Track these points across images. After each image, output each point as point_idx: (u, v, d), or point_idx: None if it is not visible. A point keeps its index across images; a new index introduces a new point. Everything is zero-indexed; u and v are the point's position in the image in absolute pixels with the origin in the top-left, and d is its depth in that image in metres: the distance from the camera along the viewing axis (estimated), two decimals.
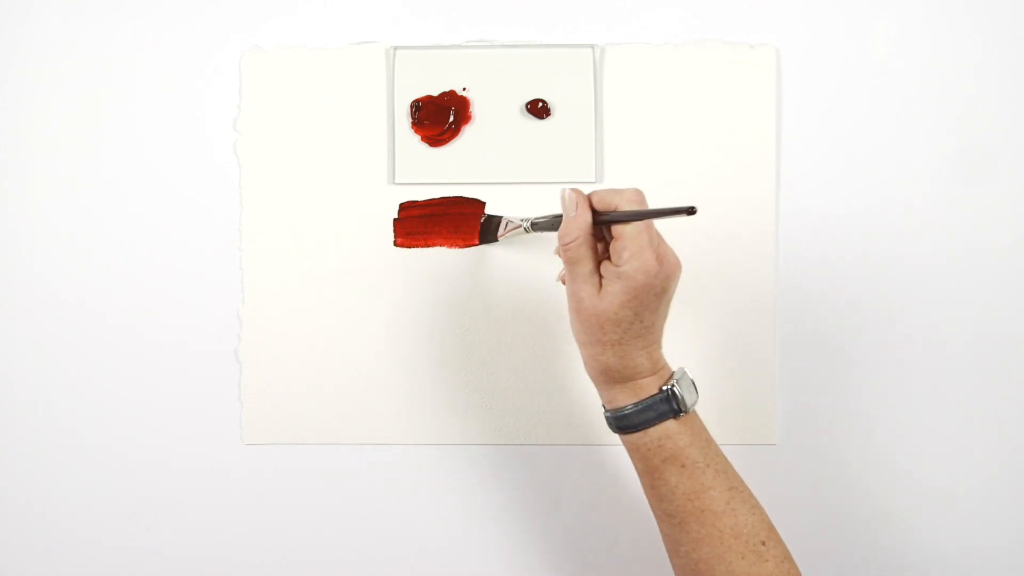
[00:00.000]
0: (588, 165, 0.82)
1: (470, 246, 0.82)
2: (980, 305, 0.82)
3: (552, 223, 0.74)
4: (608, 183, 0.82)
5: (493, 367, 0.82)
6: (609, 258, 0.66)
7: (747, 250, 0.82)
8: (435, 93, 0.82)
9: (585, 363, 0.68)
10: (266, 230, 0.83)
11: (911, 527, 0.82)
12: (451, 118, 0.82)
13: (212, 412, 0.83)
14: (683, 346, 0.82)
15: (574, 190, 0.67)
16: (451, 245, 0.82)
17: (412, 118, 0.82)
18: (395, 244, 0.82)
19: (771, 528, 0.67)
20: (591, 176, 0.82)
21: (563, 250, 0.66)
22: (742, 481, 0.68)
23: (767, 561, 0.65)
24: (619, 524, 0.82)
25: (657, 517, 0.68)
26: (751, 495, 0.67)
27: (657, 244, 0.65)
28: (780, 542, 0.67)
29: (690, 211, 0.62)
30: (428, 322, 0.82)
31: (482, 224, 0.82)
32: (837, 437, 0.82)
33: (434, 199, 0.83)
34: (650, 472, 0.67)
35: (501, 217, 0.81)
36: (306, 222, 0.83)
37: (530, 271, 0.82)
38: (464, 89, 0.82)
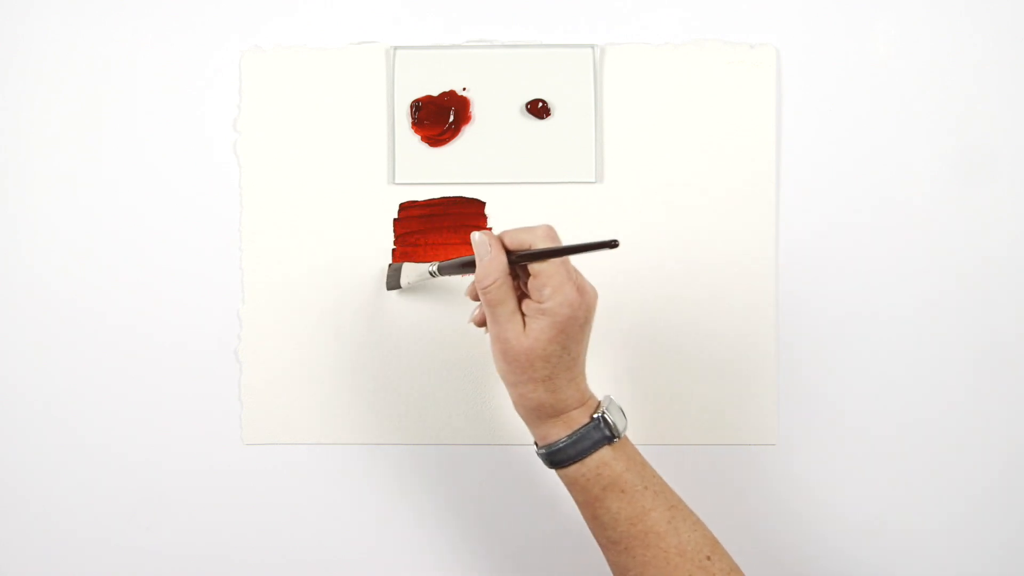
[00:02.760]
0: (588, 165, 0.82)
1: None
2: (980, 305, 0.82)
3: (459, 266, 0.74)
4: (608, 183, 0.82)
5: (493, 367, 0.82)
6: (528, 295, 0.66)
7: (747, 250, 0.82)
8: (435, 93, 0.82)
9: (515, 403, 0.68)
10: (266, 230, 0.83)
11: (911, 527, 0.82)
12: (451, 118, 0.82)
13: (212, 412, 0.83)
14: (683, 346, 0.82)
15: (484, 232, 0.68)
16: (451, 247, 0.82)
17: (412, 118, 0.82)
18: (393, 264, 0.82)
19: (715, 542, 0.67)
20: (591, 176, 0.82)
21: (483, 293, 0.67)
22: (680, 499, 0.68)
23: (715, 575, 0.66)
24: None
25: (602, 546, 0.69)
26: (691, 512, 0.68)
27: (576, 277, 0.66)
28: (725, 555, 0.67)
29: (612, 244, 0.62)
30: (428, 322, 0.82)
31: (389, 269, 0.81)
32: (837, 437, 0.82)
33: (434, 199, 0.83)
34: (591, 502, 0.68)
35: (402, 264, 0.81)
36: (306, 222, 0.83)
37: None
38: (464, 89, 0.82)
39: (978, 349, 0.82)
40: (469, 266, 0.70)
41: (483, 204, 0.82)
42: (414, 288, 0.82)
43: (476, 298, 0.69)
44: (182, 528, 0.83)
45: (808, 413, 0.82)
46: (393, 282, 0.81)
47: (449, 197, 0.82)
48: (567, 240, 0.67)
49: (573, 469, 0.67)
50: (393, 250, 0.82)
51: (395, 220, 0.83)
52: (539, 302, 0.65)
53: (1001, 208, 0.82)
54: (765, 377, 0.82)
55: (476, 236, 0.68)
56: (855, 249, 0.82)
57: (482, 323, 0.70)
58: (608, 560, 0.69)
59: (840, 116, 0.82)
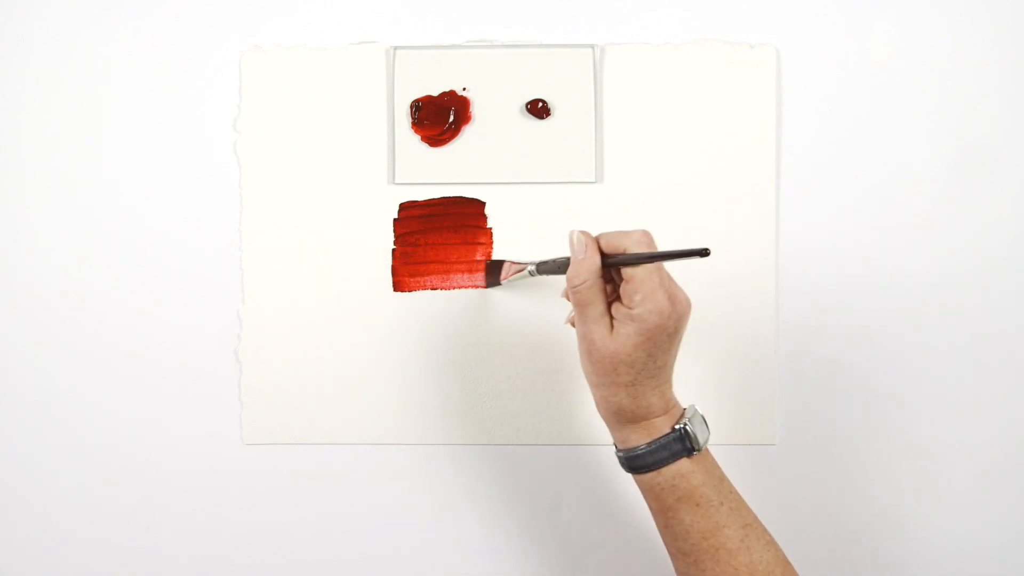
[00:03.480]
0: (588, 165, 0.82)
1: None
2: (980, 305, 0.82)
3: (557, 266, 0.74)
4: (608, 183, 0.82)
5: (493, 367, 0.82)
6: (619, 299, 0.66)
7: (747, 250, 0.82)
8: (435, 93, 0.82)
9: (597, 404, 0.68)
10: (266, 230, 0.83)
11: (911, 527, 0.82)
12: (451, 118, 0.82)
13: (212, 412, 0.83)
14: (683, 346, 0.82)
15: (583, 232, 0.67)
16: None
17: (412, 118, 0.82)
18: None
19: (786, 563, 0.67)
20: (591, 176, 0.82)
21: (573, 293, 0.66)
22: (756, 517, 0.68)
23: None
24: (619, 524, 0.82)
25: (672, 555, 0.68)
26: (765, 531, 0.67)
27: (668, 285, 0.65)
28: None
29: (703, 253, 0.62)
30: (428, 322, 0.82)
31: (486, 267, 0.82)
32: (837, 437, 0.82)
33: (434, 199, 0.83)
34: (664, 511, 0.67)
35: (504, 261, 0.81)
36: (306, 222, 0.83)
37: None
38: (464, 89, 0.82)
39: (978, 348, 0.82)
40: (568, 266, 0.69)
41: (483, 204, 0.82)
42: (513, 285, 0.81)
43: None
44: (182, 528, 0.83)
45: (808, 413, 0.82)
46: (493, 279, 0.81)
47: (449, 197, 0.82)
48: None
49: (649, 477, 0.67)
50: (393, 250, 0.82)
51: (395, 220, 0.83)
52: (629, 307, 0.65)
53: (1001, 208, 0.82)
54: (765, 377, 0.82)
55: (574, 235, 0.67)
56: (855, 249, 0.82)
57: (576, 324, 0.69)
58: (676, 569, 0.69)
59: (840, 116, 0.82)
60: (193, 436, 0.83)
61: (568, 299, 0.70)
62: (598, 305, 0.66)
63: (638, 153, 0.82)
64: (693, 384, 0.81)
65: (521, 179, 0.82)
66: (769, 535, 0.67)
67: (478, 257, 0.82)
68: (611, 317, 0.66)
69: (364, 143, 0.83)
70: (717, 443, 0.80)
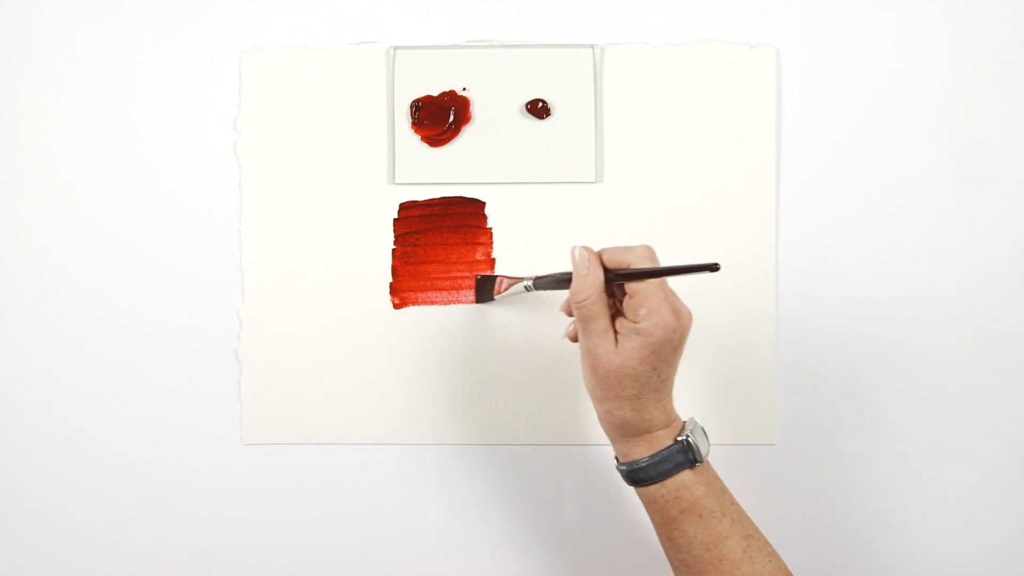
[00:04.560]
0: (588, 165, 0.82)
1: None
2: (980, 305, 0.82)
3: (555, 281, 0.74)
4: (608, 183, 0.82)
5: (493, 367, 0.82)
6: (621, 314, 0.66)
7: (747, 250, 0.82)
8: (435, 93, 0.82)
9: (600, 419, 0.68)
10: (266, 230, 0.83)
11: (910, 528, 0.82)
12: (451, 118, 0.82)
13: (212, 412, 0.83)
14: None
15: (585, 248, 0.68)
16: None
17: (412, 118, 0.82)
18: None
19: (788, 574, 0.67)
20: (591, 176, 0.82)
21: (576, 308, 0.67)
22: (757, 528, 0.68)
23: None
24: (619, 524, 0.82)
25: (674, 567, 0.69)
26: (767, 542, 0.68)
27: (672, 299, 0.66)
28: None
29: (712, 268, 0.62)
30: (428, 322, 0.82)
31: (477, 282, 0.81)
32: (837, 437, 0.82)
33: (434, 199, 0.83)
34: (667, 524, 0.67)
35: (497, 275, 0.81)
36: (306, 222, 0.83)
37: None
38: (464, 89, 0.82)
39: (978, 349, 0.82)
40: (566, 282, 0.70)
41: (483, 204, 0.82)
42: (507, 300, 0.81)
43: (571, 313, 0.69)
44: (182, 528, 0.83)
45: (808, 413, 0.82)
46: (486, 295, 0.81)
47: (449, 197, 0.82)
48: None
49: (652, 489, 0.67)
50: (393, 250, 0.82)
51: (395, 220, 0.83)
52: (634, 322, 0.65)
53: (1001, 208, 0.82)
54: (765, 377, 0.82)
55: (576, 251, 0.68)
56: (855, 249, 0.82)
57: (576, 338, 0.70)
58: None
59: (840, 116, 0.82)
60: (193, 436, 0.83)
61: (567, 313, 0.70)
62: (602, 320, 0.66)
63: (638, 153, 0.82)
64: (694, 384, 0.81)
65: (521, 179, 0.82)
66: (771, 546, 0.68)
67: (478, 257, 0.82)
68: (615, 331, 0.66)
69: (364, 143, 0.83)
70: (717, 443, 0.81)
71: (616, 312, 0.68)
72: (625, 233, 0.81)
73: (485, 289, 0.81)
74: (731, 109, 0.82)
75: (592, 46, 0.82)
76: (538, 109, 0.82)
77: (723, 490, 0.68)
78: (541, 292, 0.77)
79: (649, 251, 0.66)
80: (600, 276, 0.67)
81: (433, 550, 0.83)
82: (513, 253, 0.82)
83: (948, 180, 0.82)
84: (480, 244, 0.82)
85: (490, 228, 0.82)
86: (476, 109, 0.82)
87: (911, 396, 0.82)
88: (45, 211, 0.83)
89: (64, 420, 0.83)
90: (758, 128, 0.82)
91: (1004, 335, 0.82)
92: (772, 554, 0.67)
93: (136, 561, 0.83)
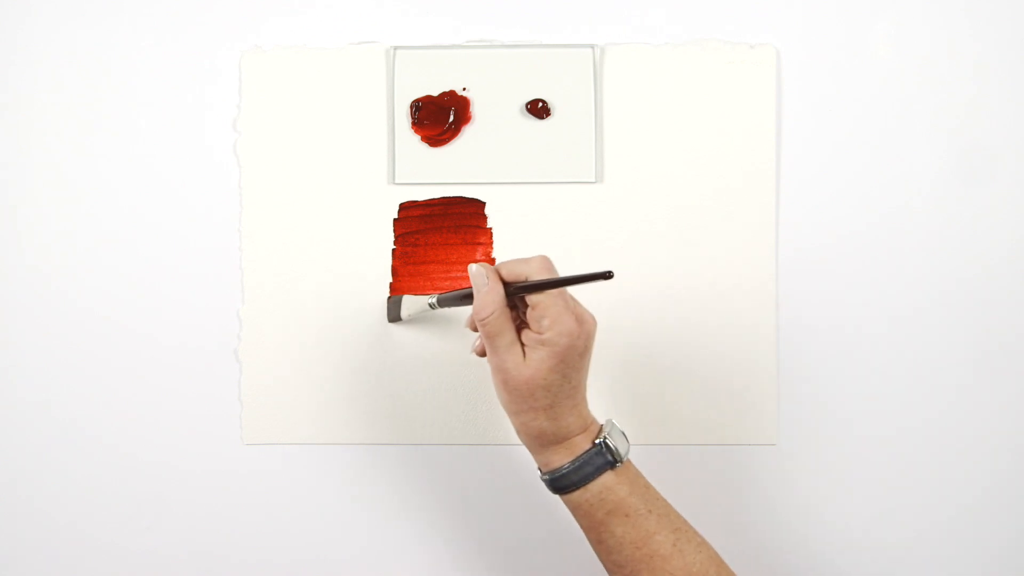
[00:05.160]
0: (588, 165, 0.82)
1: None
2: (980, 306, 0.82)
3: (457, 298, 0.75)
4: (608, 183, 0.82)
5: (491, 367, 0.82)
6: (526, 326, 0.67)
7: (747, 250, 0.82)
8: (435, 93, 0.82)
9: (518, 431, 0.69)
10: (266, 230, 0.83)
11: (911, 528, 0.82)
12: (451, 118, 0.82)
13: (212, 412, 0.83)
14: (683, 346, 0.82)
15: (481, 264, 0.68)
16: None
17: (412, 118, 0.82)
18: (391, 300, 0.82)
19: (720, 563, 0.68)
20: (591, 176, 0.82)
21: (481, 325, 0.67)
22: (685, 521, 0.69)
23: None
24: None
25: (608, 570, 0.69)
26: (695, 533, 0.69)
27: (573, 307, 0.67)
28: (732, 574, 0.68)
29: (606, 276, 0.63)
30: (428, 321, 0.82)
31: (388, 302, 0.82)
32: (837, 437, 0.82)
33: (434, 199, 0.83)
34: (595, 527, 0.68)
35: (403, 296, 0.81)
36: (306, 222, 0.83)
37: None
38: (464, 89, 0.82)
39: (978, 349, 0.82)
40: (468, 298, 0.70)
41: (483, 204, 0.82)
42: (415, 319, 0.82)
43: (475, 329, 0.70)
44: (182, 528, 0.83)
45: (808, 413, 0.82)
46: (393, 314, 0.81)
47: (449, 197, 0.82)
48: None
49: (577, 495, 0.68)
50: (393, 250, 0.82)
51: (395, 220, 0.83)
52: (538, 333, 0.66)
53: (1001, 208, 0.82)
54: (765, 377, 0.82)
55: (473, 268, 0.68)
56: (855, 249, 0.82)
57: (483, 353, 0.70)
58: None
59: (840, 116, 0.82)
60: (193, 436, 0.83)
61: (473, 329, 0.70)
62: (507, 334, 0.67)
63: (638, 153, 0.82)
64: (694, 384, 0.81)
65: (521, 179, 0.82)
66: (700, 537, 0.68)
67: (478, 257, 0.82)
68: (521, 344, 0.67)
69: (364, 143, 0.83)
70: (717, 443, 0.81)
71: (521, 324, 0.68)
72: (625, 233, 0.81)
73: (393, 309, 0.81)
74: (731, 109, 0.82)
75: (592, 46, 0.82)
76: (538, 109, 0.82)
77: (647, 487, 0.69)
78: (447, 309, 0.78)
79: (546, 261, 0.67)
80: (500, 291, 0.67)
81: (433, 550, 0.83)
82: (513, 253, 0.82)
83: (948, 180, 0.82)
84: (480, 244, 0.82)
85: (490, 228, 0.82)
86: (476, 109, 0.82)
87: (912, 395, 0.82)
88: (45, 211, 0.83)
89: (64, 420, 0.83)
90: (758, 128, 0.82)
91: (1004, 335, 0.82)
92: (702, 544, 0.68)
93: (136, 561, 0.83)
